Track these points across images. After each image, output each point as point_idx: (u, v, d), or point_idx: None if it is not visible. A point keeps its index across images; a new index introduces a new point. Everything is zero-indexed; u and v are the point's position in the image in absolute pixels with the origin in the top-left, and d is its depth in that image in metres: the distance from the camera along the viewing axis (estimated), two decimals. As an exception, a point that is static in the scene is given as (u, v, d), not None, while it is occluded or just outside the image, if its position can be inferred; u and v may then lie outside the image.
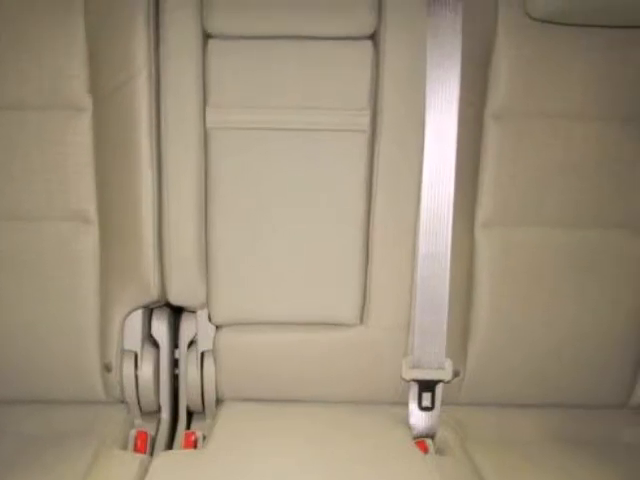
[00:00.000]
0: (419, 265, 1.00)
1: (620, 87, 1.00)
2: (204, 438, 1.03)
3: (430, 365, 1.02)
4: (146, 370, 1.06)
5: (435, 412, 1.04)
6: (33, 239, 1.01)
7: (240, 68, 0.97)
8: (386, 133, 0.98)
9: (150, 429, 1.06)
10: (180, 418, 1.12)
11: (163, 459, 0.94)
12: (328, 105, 0.97)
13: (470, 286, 1.04)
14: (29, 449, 0.97)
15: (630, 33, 0.98)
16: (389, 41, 0.96)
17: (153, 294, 1.02)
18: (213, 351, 1.06)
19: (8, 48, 0.97)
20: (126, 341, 1.05)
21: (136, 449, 1.01)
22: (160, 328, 1.10)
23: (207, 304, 1.04)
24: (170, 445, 1.07)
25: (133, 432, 1.03)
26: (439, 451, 1.02)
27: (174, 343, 1.12)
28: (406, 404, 1.05)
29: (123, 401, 1.07)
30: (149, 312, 1.09)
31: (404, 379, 1.04)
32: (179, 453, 1.00)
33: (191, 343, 1.09)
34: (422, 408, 1.04)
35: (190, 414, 1.13)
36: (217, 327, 1.06)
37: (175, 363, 1.12)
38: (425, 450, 1.00)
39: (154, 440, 1.06)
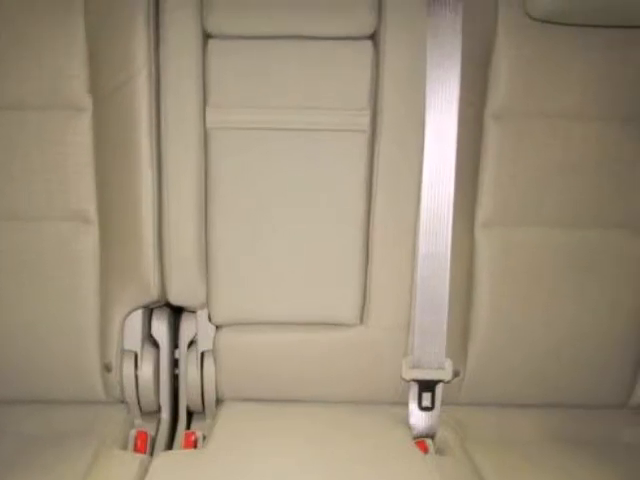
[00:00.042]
0: (419, 265, 1.00)
1: (620, 87, 1.00)
2: (204, 438, 1.03)
3: (430, 365, 1.03)
4: (146, 370, 1.06)
5: (435, 412, 1.04)
6: (33, 239, 1.01)
7: (240, 68, 0.97)
8: (386, 133, 0.98)
9: (150, 429, 1.06)
10: (180, 418, 1.12)
11: (163, 459, 0.94)
12: (328, 105, 0.97)
13: (470, 286, 1.04)
14: (29, 449, 0.97)
15: (630, 33, 0.98)
16: (389, 41, 0.96)
17: (153, 294, 1.02)
18: (213, 351, 1.06)
19: (8, 48, 0.97)
20: (126, 341, 1.05)
21: (136, 449, 1.01)
22: (160, 328, 1.10)
23: (207, 304, 1.04)
24: (170, 445, 1.07)
25: (133, 432, 1.03)
26: (439, 451, 1.02)
27: (174, 343, 1.12)
28: (406, 404, 1.05)
29: (123, 401, 1.07)
30: (149, 312, 1.09)
31: (404, 379, 1.04)
32: (179, 453, 1.00)
33: (191, 343, 1.09)
34: (422, 408, 1.04)
35: (190, 414, 1.12)
36: (217, 327, 1.06)
37: (175, 363, 1.12)
38: (425, 450, 1.00)
39: (154, 440, 1.06)
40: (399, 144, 0.99)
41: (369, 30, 0.96)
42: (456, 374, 1.05)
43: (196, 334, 1.08)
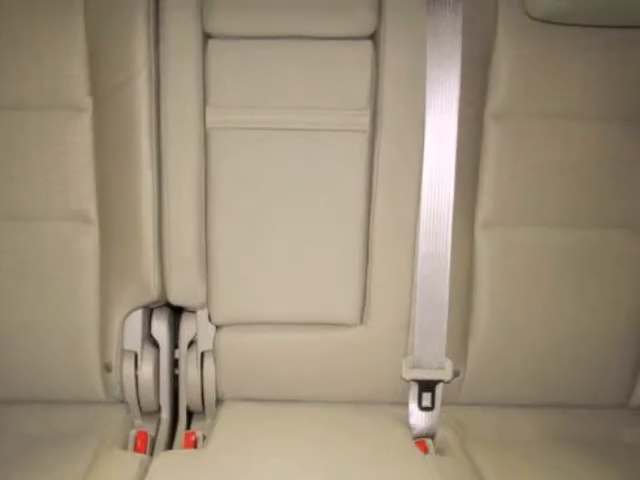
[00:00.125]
0: (419, 265, 1.00)
1: (620, 87, 1.00)
2: (204, 438, 1.03)
3: (430, 365, 1.03)
4: (146, 370, 1.06)
5: (435, 412, 1.04)
6: (33, 239, 1.01)
7: (240, 68, 0.97)
8: (386, 133, 0.98)
9: (150, 429, 1.06)
10: (180, 418, 1.12)
11: (163, 459, 0.94)
12: (328, 105, 0.97)
13: (470, 286, 1.04)
14: (29, 449, 0.97)
15: (630, 33, 0.98)
16: (389, 41, 0.96)
17: (153, 294, 1.02)
18: (213, 351, 1.06)
19: (8, 48, 0.97)
20: (126, 341, 1.05)
21: (136, 449, 1.01)
22: (160, 328, 1.10)
23: (207, 304, 1.04)
24: (170, 445, 1.07)
25: (133, 432, 1.03)
26: (439, 451, 1.02)
27: (174, 343, 1.12)
28: (406, 404, 1.05)
29: (123, 401, 1.07)
30: (149, 312, 1.09)
31: (404, 379, 1.04)
32: (179, 453, 1.00)
33: (191, 343, 1.09)
34: (422, 408, 1.04)
35: (190, 414, 1.13)
36: (217, 327, 1.06)
37: (175, 363, 1.12)
38: (425, 450, 1.00)
39: (154, 440, 1.06)
40: (399, 144, 0.99)
41: (369, 30, 0.96)
42: (456, 374, 1.05)
43: (196, 334, 1.08)
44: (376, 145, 0.99)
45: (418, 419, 1.04)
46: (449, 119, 0.97)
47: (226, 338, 1.05)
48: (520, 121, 1.01)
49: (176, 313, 1.12)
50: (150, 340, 1.09)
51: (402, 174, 1.00)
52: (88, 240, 1.02)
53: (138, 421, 1.08)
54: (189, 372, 1.07)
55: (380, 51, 0.97)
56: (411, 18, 0.96)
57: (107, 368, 1.04)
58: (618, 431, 1.08)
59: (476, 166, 1.02)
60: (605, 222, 1.04)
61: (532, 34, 0.98)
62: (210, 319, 1.05)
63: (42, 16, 0.97)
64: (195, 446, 1.02)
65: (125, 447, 1.01)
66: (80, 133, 0.99)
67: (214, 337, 1.05)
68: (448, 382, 1.04)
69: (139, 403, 1.07)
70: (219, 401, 1.08)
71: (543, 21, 0.96)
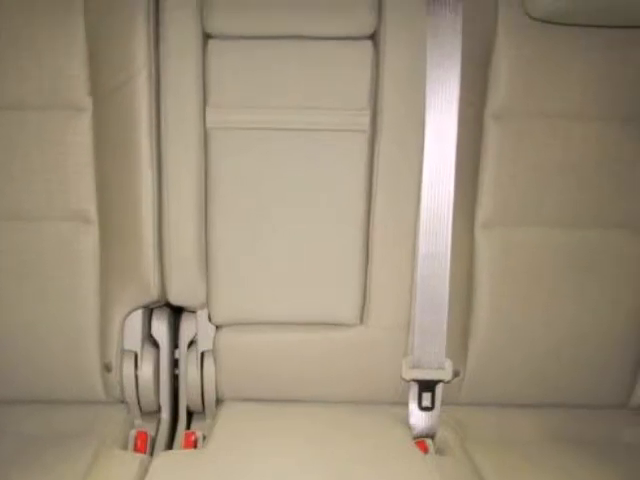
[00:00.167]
0: (419, 265, 1.00)
1: (620, 87, 1.00)
2: (204, 438, 1.03)
3: (430, 365, 1.03)
4: (146, 370, 1.06)
5: (435, 412, 1.04)
6: (33, 239, 1.01)
7: (240, 68, 0.97)
8: (386, 133, 0.98)
9: (150, 429, 1.06)
10: (180, 418, 1.12)
11: (163, 459, 0.94)
12: (328, 105, 0.97)
13: (470, 286, 1.04)
14: (29, 449, 0.97)
15: (630, 33, 0.98)
16: (389, 41, 0.96)
17: (153, 294, 1.02)
18: (213, 351, 1.06)
19: (8, 48, 0.97)
20: (126, 341, 1.05)
21: (136, 449, 1.01)
22: (160, 328, 1.10)
23: (207, 304, 1.04)
24: (170, 445, 1.07)
25: (133, 432, 1.03)
26: (439, 451, 1.02)
27: (174, 343, 1.12)
28: (406, 404, 1.05)
29: (123, 401, 1.07)
30: (149, 312, 1.09)
31: (404, 379, 1.04)
32: (179, 453, 1.00)
33: (191, 343, 1.09)
34: (422, 408, 1.04)
35: (190, 414, 1.13)
36: (217, 327, 1.06)
37: (175, 363, 1.12)
38: (425, 450, 1.00)
39: (154, 440, 1.06)
40: (399, 144, 0.99)
41: (369, 30, 0.96)
42: (456, 374, 1.05)
43: (196, 334, 1.08)
44: (376, 145, 0.99)
45: (418, 419, 1.04)
46: (449, 119, 0.97)
47: (226, 338, 1.05)
48: (520, 121, 1.01)
49: (176, 313, 1.12)
50: (150, 340, 1.09)
51: (402, 174, 1.00)
52: (88, 240, 1.02)
53: (138, 421, 1.08)
54: (189, 372, 1.07)
55: (380, 51, 0.97)
56: (411, 18, 0.96)
57: (107, 368, 1.04)
58: (618, 431, 1.08)
59: (476, 166, 1.02)
60: (605, 222, 1.04)
61: (532, 34, 0.98)
62: (210, 319, 1.05)
63: (42, 16, 0.97)
64: (195, 446, 1.02)
65: (125, 447, 1.01)
66: (80, 133, 0.99)
67: (214, 337, 1.05)
68: (448, 382, 1.04)
69: (139, 403, 1.07)
70: (219, 401, 1.08)
71: (543, 21, 0.96)
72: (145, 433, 1.04)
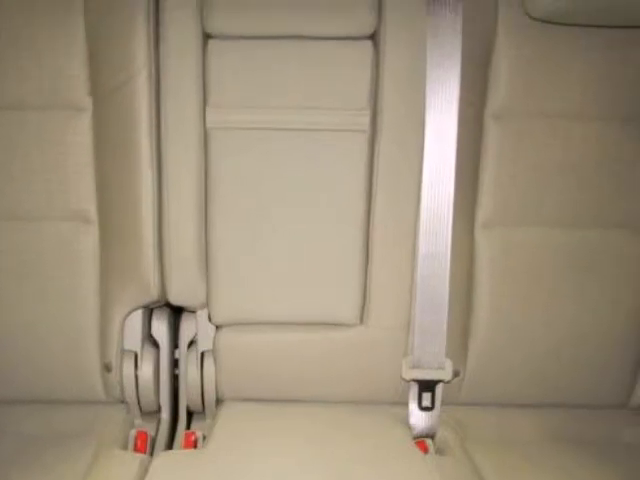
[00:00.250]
0: (419, 265, 1.00)
1: (620, 87, 1.00)
2: (204, 438, 1.03)
3: (430, 365, 1.03)
4: (146, 370, 1.06)
5: (435, 412, 1.04)
6: (33, 239, 1.01)
7: (240, 68, 0.97)
8: (386, 133, 0.98)
9: (150, 429, 1.06)
10: (180, 418, 1.12)
11: (163, 459, 0.94)
12: (328, 105, 0.97)
13: (470, 286, 1.04)
14: (29, 449, 0.97)
15: (630, 33, 0.98)
16: (389, 41, 0.96)
17: (153, 294, 1.02)
18: (213, 351, 1.06)
19: (8, 48, 0.97)
20: (126, 341, 1.05)
21: (136, 449, 1.01)
22: (160, 328, 1.10)
23: (207, 304, 1.04)
24: (170, 445, 1.07)
25: (133, 432, 1.03)
26: (439, 451, 1.02)
27: (174, 343, 1.12)
28: (406, 404, 1.05)
29: (123, 401, 1.07)
30: (149, 312, 1.09)
31: (404, 379, 1.04)
32: (179, 453, 1.00)
33: (191, 343, 1.09)
34: (422, 408, 1.04)
35: (190, 414, 1.13)
36: (217, 327, 1.06)
37: (175, 363, 1.12)
38: (425, 450, 1.00)
39: (154, 440, 1.06)
40: (399, 144, 0.99)
41: (369, 30, 0.96)
42: (456, 374, 1.05)
43: (196, 334, 1.08)
44: (376, 145, 0.99)
45: (418, 419, 1.04)
46: (449, 119, 0.97)
47: (226, 338, 1.05)
48: (520, 121, 1.01)
49: (176, 313, 1.12)
50: (150, 340, 1.09)
51: (402, 174, 1.00)
52: (88, 240, 1.02)
53: (138, 421, 1.08)
54: (189, 372, 1.07)
55: (380, 51, 0.97)
56: (411, 18, 0.96)
57: (107, 368, 1.04)
58: (618, 431, 1.08)
59: (476, 166, 1.02)
60: (605, 222, 1.04)
61: (532, 34, 0.98)
62: (210, 319, 1.05)
63: (42, 16, 0.97)
64: (195, 446, 1.02)
65: (125, 447, 1.01)
66: (80, 133, 0.99)
67: (214, 337, 1.05)
68: (448, 382, 1.04)
69: (139, 403, 1.07)
70: (219, 401, 1.08)
71: (543, 21, 0.96)
72: (145, 433, 1.04)
